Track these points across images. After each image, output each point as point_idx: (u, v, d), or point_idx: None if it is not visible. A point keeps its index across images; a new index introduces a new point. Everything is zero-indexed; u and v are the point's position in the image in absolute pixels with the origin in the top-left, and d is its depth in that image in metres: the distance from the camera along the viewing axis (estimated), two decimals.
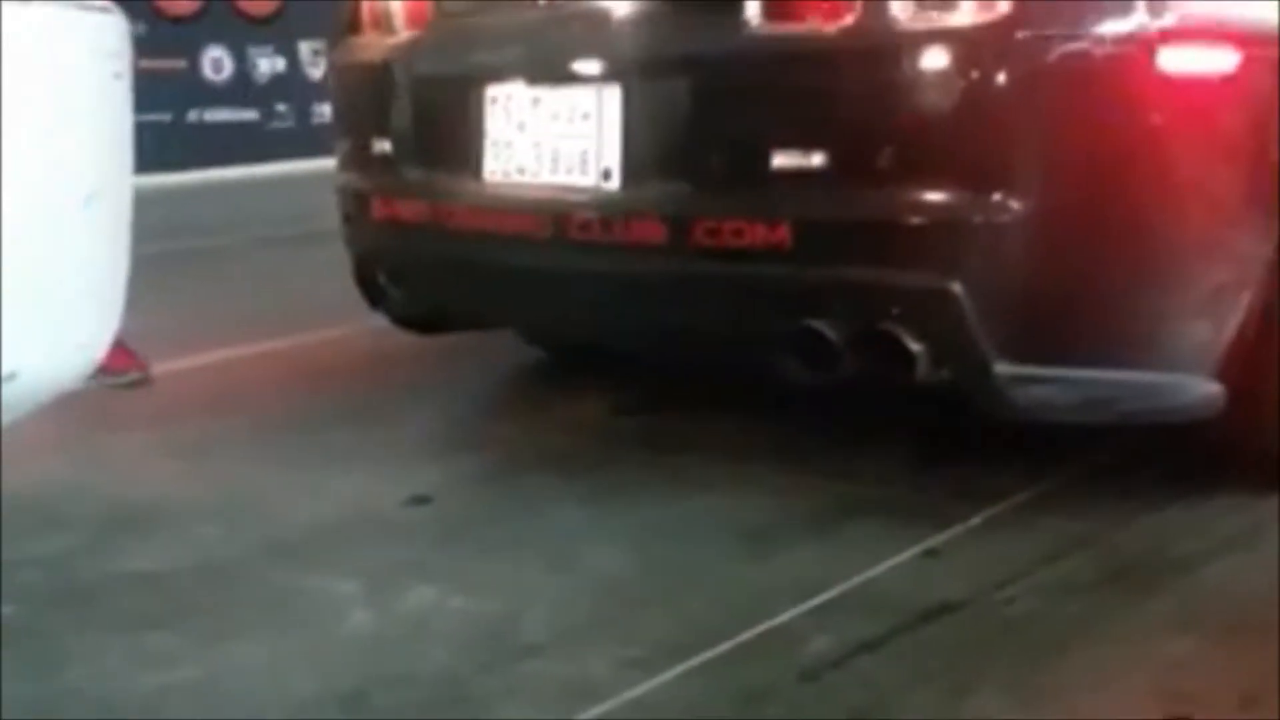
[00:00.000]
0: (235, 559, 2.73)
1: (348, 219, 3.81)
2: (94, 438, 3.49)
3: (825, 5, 2.79)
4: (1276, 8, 2.76)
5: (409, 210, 3.53)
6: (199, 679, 2.23)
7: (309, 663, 2.29)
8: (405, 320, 3.89)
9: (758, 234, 2.80)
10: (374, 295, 3.82)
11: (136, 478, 3.25)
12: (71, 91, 1.48)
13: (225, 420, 3.72)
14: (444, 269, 3.51)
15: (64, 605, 2.51)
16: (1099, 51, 2.66)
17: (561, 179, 3.12)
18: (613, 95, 3.02)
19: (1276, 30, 2.75)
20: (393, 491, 3.07)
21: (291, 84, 10.81)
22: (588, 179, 3.07)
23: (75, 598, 2.55)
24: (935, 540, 2.73)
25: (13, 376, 1.52)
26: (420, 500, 3.03)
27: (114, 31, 1.66)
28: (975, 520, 2.83)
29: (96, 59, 1.59)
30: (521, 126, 3.20)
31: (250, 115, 10.66)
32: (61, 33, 1.51)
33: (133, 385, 3.59)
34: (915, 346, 2.71)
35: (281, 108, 10.78)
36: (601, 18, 3.14)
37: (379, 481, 3.17)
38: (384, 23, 3.64)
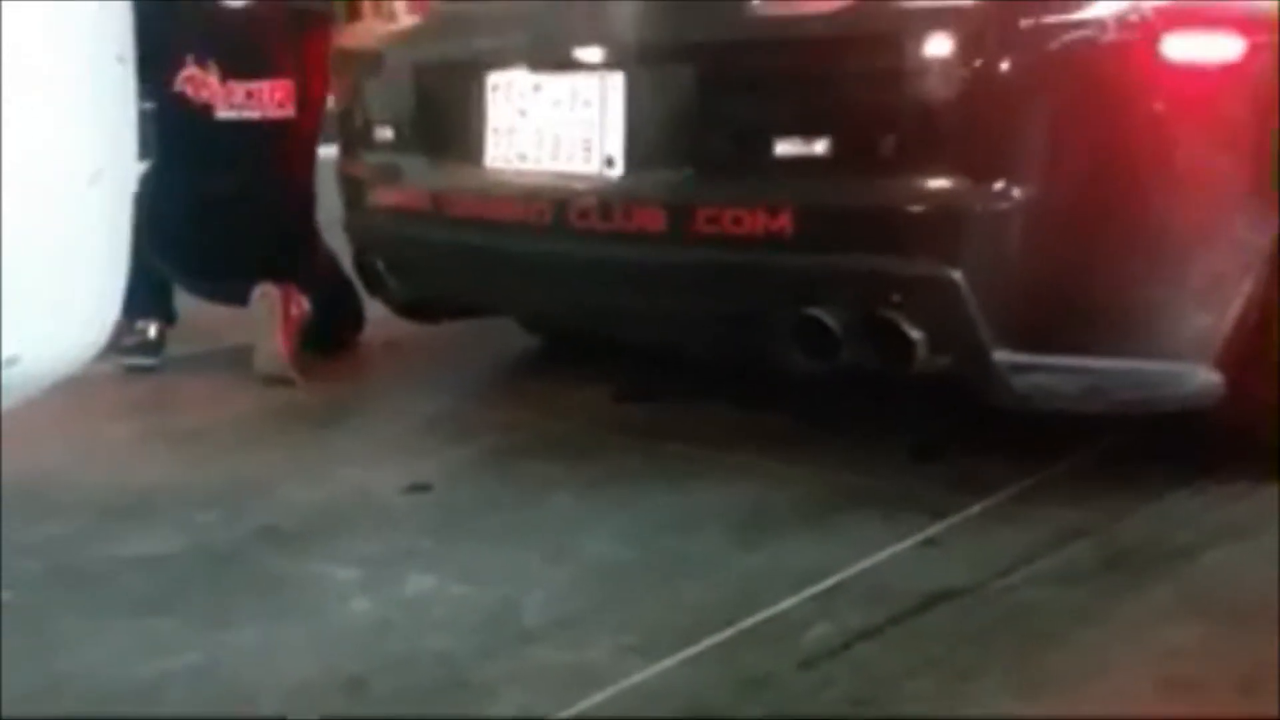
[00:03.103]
0: (235, 545, 2.72)
1: (349, 206, 3.81)
2: (93, 424, 3.49)
3: None
4: None
5: (410, 197, 3.53)
6: (198, 664, 2.22)
7: (308, 649, 2.29)
8: (405, 308, 3.90)
9: (759, 221, 2.80)
10: (374, 283, 3.83)
11: (136, 464, 3.25)
12: (76, 74, 1.48)
13: (225, 408, 3.71)
14: (444, 256, 3.51)
15: (63, 590, 2.51)
16: (1102, 38, 2.65)
17: (563, 166, 3.12)
18: (615, 82, 3.02)
19: (1279, 17, 2.74)
20: (393, 479, 3.07)
21: None
22: (590, 166, 3.07)
23: (74, 583, 2.54)
24: (934, 529, 2.73)
25: (15, 360, 1.52)
26: (420, 488, 3.03)
27: (116, 15, 1.66)
28: (974, 509, 2.82)
29: (99, 43, 1.59)
30: (523, 113, 3.20)
31: None
32: (65, 17, 1.51)
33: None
34: (915, 334, 2.71)
35: None
36: (604, 4, 3.14)
37: (379, 469, 3.17)
38: (385, 10, 3.64)
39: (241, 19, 4.14)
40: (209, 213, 4.04)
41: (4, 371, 1.51)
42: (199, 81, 4.07)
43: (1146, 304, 2.79)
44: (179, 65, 4.06)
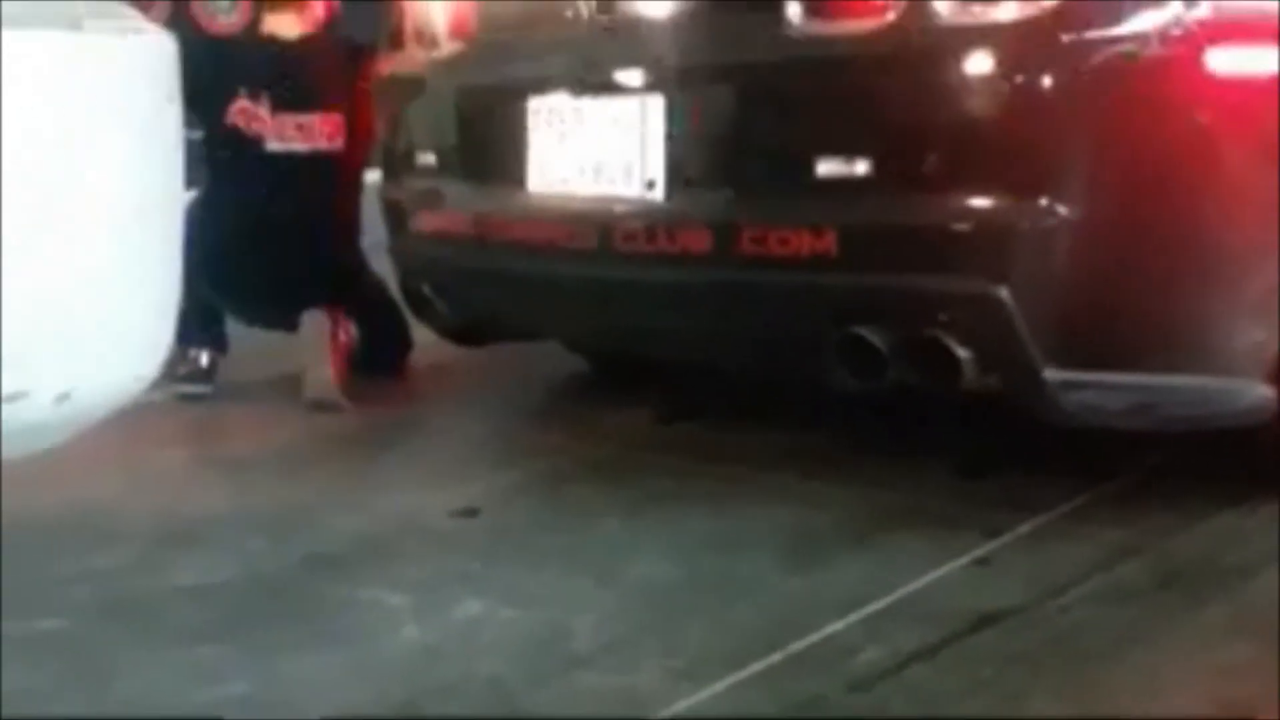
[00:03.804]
0: (284, 572, 2.73)
1: (393, 231, 3.83)
2: (145, 452, 3.51)
3: (866, 8, 2.79)
4: None
5: (453, 222, 3.54)
6: (249, 692, 2.23)
7: (359, 675, 2.29)
8: (450, 332, 3.91)
9: (803, 241, 2.79)
10: (419, 307, 3.85)
11: (187, 492, 3.27)
12: (124, 114, 1.49)
13: (275, 434, 3.73)
14: (488, 280, 3.52)
15: (114, 619, 2.52)
16: (1146, 52, 2.64)
17: (605, 190, 3.12)
18: (656, 105, 3.03)
19: None
20: (441, 503, 3.08)
21: None
22: (632, 189, 3.07)
23: (125, 612, 2.55)
24: (985, 549, 2.71)
25: (66, 396, 1.53)
26: (468, 512, 3.04)
27: (165, 55, 1.67)
28: (1024, 529, 2.80)
29: (149, 84, 1.60)
30: (564, 138, 3.21)
31: None
32: (115, 58, 1.52)
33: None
34: (962, 353, 2.69)
35: None
36: (643, 28, 3.14)
37: (427, 493, 3.18)
38: (427, 37, 3.66)
39: (294, 53, 4.17)
40: (258, 241, 4.07)
41: (55, 407, 1.52)
42: (250, 114, 4.11)
43: (1197, 319, 2.77)
44: (231, 98, 4.10)
